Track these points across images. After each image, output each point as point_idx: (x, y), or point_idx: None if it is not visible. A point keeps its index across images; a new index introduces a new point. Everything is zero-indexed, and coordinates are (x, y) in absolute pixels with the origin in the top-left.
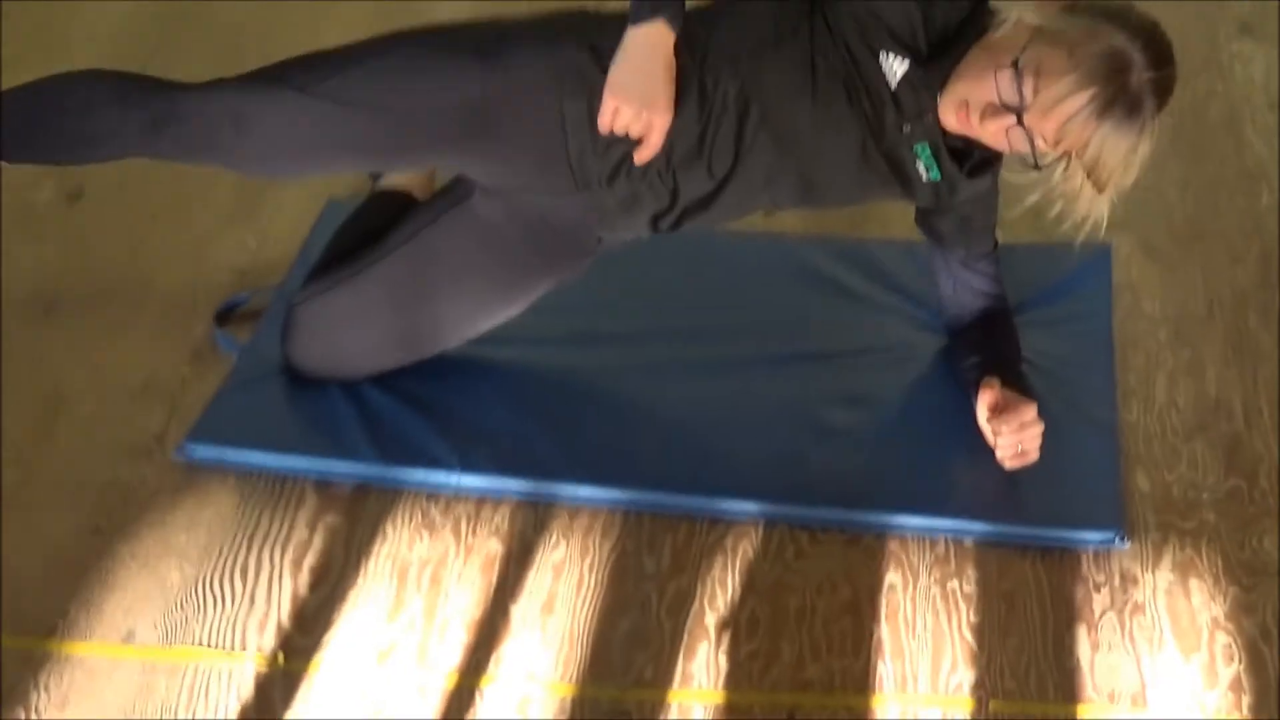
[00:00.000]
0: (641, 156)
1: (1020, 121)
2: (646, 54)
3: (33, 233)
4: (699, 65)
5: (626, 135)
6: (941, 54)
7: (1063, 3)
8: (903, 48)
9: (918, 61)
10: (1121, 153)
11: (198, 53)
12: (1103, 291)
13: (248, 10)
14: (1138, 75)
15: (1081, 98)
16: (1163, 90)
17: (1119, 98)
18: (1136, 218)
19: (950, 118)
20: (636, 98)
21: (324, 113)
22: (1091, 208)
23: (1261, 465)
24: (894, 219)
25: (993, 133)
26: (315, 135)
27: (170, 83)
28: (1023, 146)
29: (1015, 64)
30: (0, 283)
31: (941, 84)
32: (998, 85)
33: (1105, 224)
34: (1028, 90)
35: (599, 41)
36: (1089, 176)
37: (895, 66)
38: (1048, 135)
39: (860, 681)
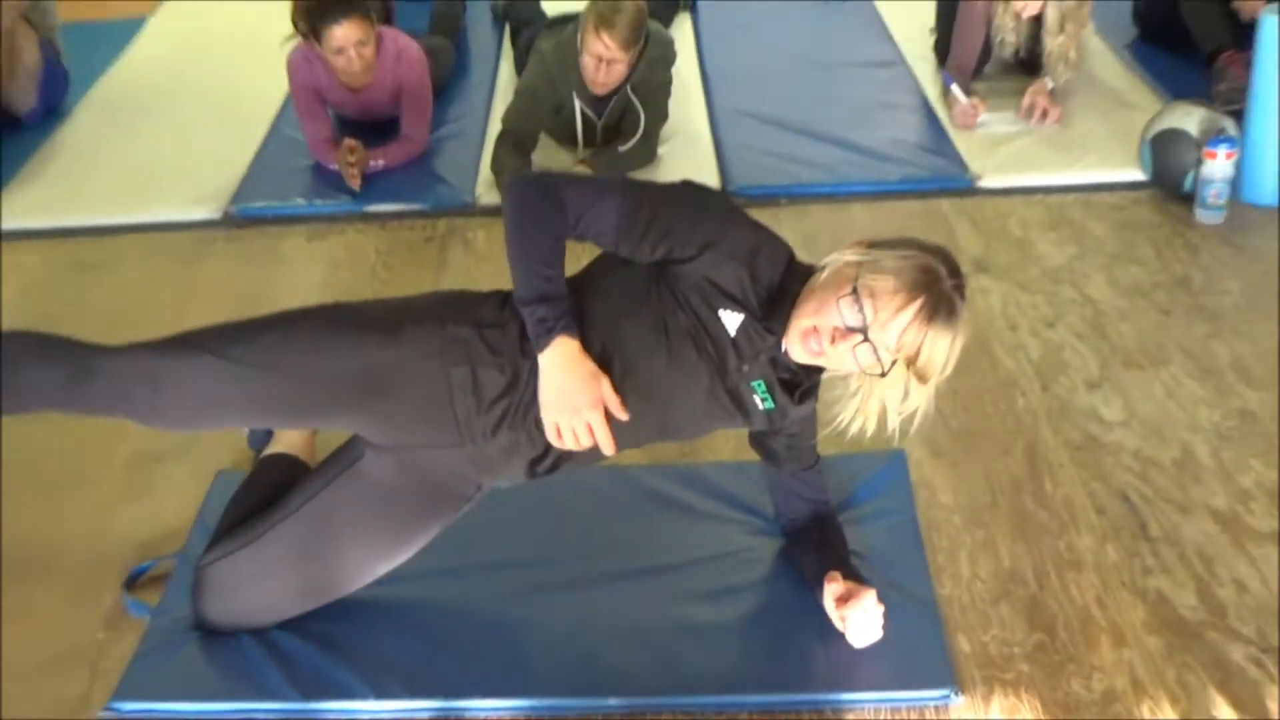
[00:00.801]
0: (610, 449)
1: (866, 338)
2: (563, 370)
3: None
4: None
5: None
6: (774, 304)
7: (864, 243)
8: (736, 304)
9: (751, 314)
10: (945, 347)
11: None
12: (903, 489)
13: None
14: (945, 283)
15: (913, 307)
16: (963, 292)
17: (940, 303)
18: (920, 427)
19: (797, 348)
20: (570, 412)
21: (236, 375)
22: (914, 403)
23: (1058, 620)
24: (720, 446)
25: (841, 352)
26: (226, 394)
27: (89, 344)
28: (868, 359)
29: (854, 291)
30: None
31: (781, 326)
32: (841, 311)
33: (920, 417)
34: (868, 310)
35: (480, 315)
36: (916, 375)
37: (732, 320)
38: (890, 345)
39: None
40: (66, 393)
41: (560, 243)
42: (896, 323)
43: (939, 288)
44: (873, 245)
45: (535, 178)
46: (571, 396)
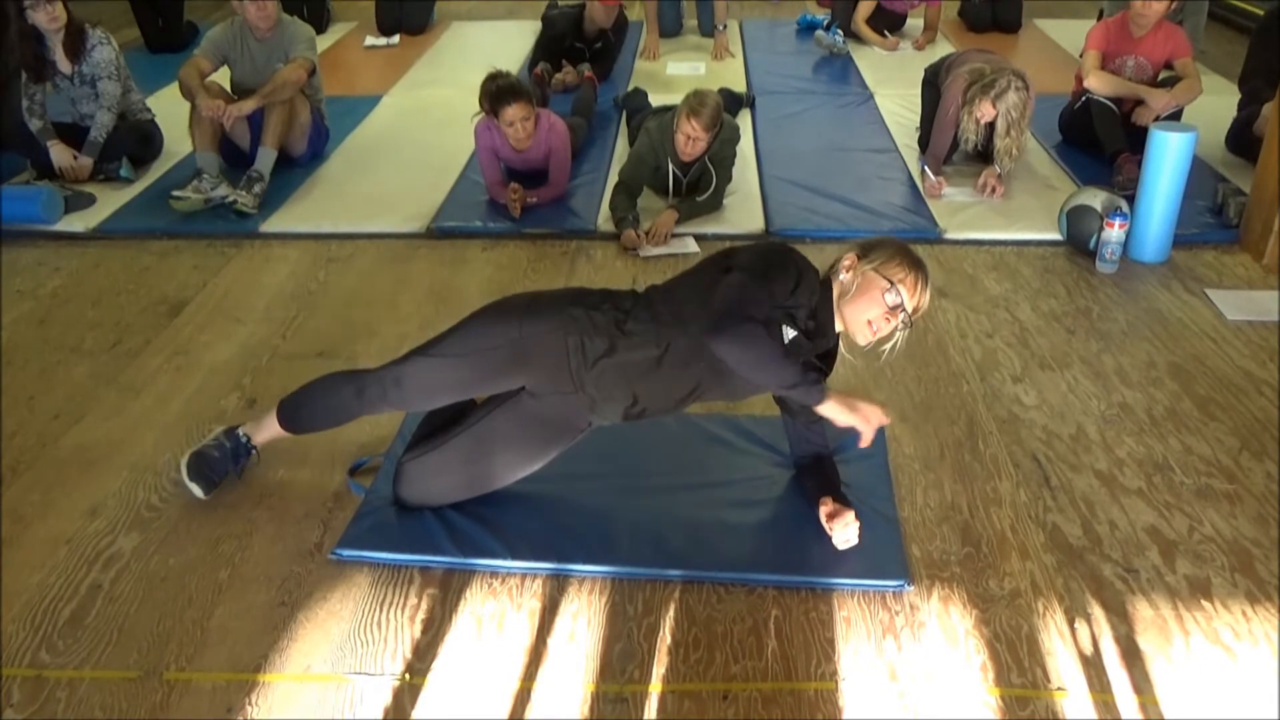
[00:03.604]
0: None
1: (904, 309)
2: (843, 404)
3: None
4: (659, 332)
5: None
6: (818, 318)
7: (856, 251)
8: (792, 322)
9: (801, 330)
10: (928, 300)
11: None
12: (879, 441)
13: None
14: (921, 260)
15: (921, 279)
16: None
17: (925, 275)
18: (893, 400)
19: (862, 334)
20: (855, 416)
21: (439, 364)
22: (899, 338)
23: (982, 538)
24: (754, 403)
25: (890, 324)
26: (436, 379)
27: (357, 369)
28: (905, 321)
29: (891, 284)
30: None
31: (822, 334)
32: (886, 299)
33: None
34: (900, 291)
35: (589, 301)
36: (911, 319)
37: (789, 334)
38: (913, 308)
39: (763, 673)
40: (358, 401)
41: (778, 339)
42: (916, 293)
43: (922, 265)
44: (863, 251)
45: (746, 323)
46: (854, 410)
